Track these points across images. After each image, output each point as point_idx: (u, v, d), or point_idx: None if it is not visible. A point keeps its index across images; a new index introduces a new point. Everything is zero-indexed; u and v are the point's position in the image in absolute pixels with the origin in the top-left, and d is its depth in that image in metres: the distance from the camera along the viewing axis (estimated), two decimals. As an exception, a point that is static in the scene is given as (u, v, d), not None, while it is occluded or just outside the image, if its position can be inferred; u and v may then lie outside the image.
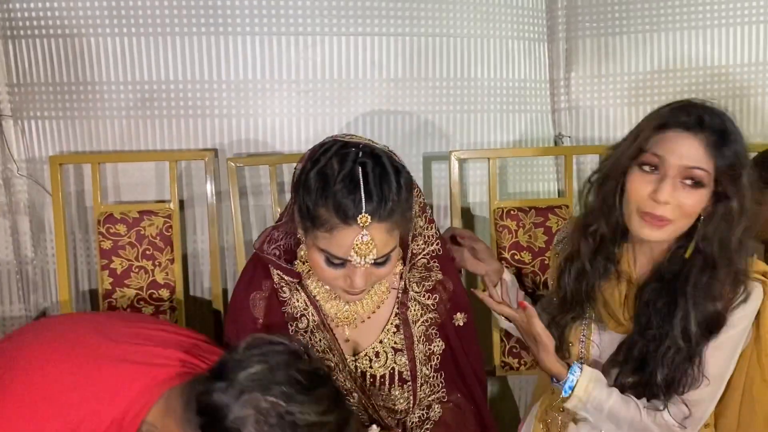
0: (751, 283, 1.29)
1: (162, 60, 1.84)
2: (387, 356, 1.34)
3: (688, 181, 1.22)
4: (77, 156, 1.87)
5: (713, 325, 1.27)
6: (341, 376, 1.32)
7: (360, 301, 1.31)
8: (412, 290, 1.35)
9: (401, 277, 1.34)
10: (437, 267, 1.38)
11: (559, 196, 2.07)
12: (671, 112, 1.26)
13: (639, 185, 1.25)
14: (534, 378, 1.69)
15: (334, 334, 1.33)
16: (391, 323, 1.35)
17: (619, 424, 1.33)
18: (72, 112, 1.87)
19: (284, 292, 1.32)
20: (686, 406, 1.30)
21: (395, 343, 1.34)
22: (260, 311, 1.32)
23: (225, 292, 1.92)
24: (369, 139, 1.24)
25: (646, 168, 1.24)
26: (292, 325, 1.32)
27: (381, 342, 1.35)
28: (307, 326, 1.32)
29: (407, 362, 1.35)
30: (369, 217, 1.12)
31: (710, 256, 1.27)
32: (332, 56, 1.89)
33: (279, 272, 1.31)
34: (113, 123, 1.87)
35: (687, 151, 1.21)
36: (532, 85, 2.07)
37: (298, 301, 1.33)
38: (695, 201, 1.23)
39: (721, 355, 1.30)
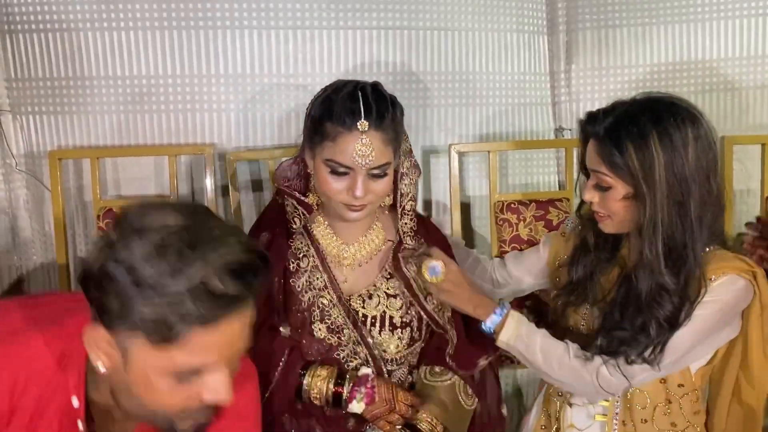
0: (722, 276, 1.30)
1: (159, 54, 1.84)
2: (380, 299, 1.46)
3: (601, 183, 1.32)
4: (76, 151, 1.87)
5: (673, 324, 1.31)
6: (335, 311, 1.44)
7: (356, 244, 1.47)
8: (406, 243, 1.48)
9: (397, 231, 1.49)
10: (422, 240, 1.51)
11: (559, 188, 2.06)
12: (582, 123, 1.38)
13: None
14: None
15: (332, 275, 1.45)
16: (386, 269, 1.47)
17: (550, 360, 1.38)
18: (70, 107, 1.87)
19: (295, 223, 1.45)
20: (626, 377, 1.34)
21: (388, 288, 1.47)
22: (264, 248, 1.37)
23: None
24: None
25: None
26: (293, 262, 1.45)
27: (375, 285, 1.47)
28: (308, 265, 1.45)
29: (402, 306, 1.46)
30: (367, 123, 1.32)
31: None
32: (330, 50, 1.89)
33: (293, 201, 1.45)
34: (111, 118, 1.87)
35: (589, 154, 1.34)
36: (532, 78, 2.07)
37: (302, 243, 1.46)
38: (612, 199, 1.31)
39: (680, 345, 1.32)
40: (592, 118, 1.32)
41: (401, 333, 1.46)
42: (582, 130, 1.36)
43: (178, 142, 1.88)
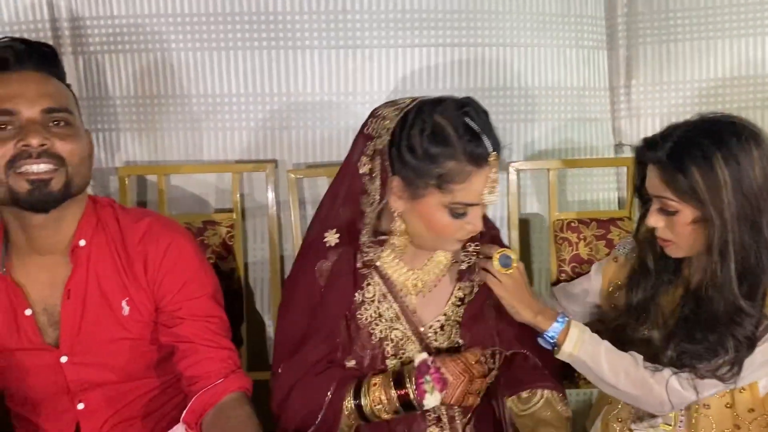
0: None
1: (225, 74, 1.89)
2: (452, 330, 1.38)
3: (666, 208, 1.30)
4: (145, 167, 1.94)
5: (752, 343, 1.28)
6: (410, 345, 1.36)
7: (424, 268, 1.39)
8: (469, 247, 1.40)
9: (463, 249, 1.40)
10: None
11: (619, 205, 2.04)
12: (637, 151, 1.36)
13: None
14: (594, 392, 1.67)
15: (403, 304, 1.37)
16: (455, 296, 1.39)
17: (617, 370, 1.34)
18: (139, 124, 1.94)
19: (366, 254, 1.34)
20: (696, 390, 1.31)
21: (459, 316, 1.38)
22: (324, 279, 1.34)
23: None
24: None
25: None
26: (358, 293, 1.36)
27: (445, 315, 1.38)
28: (374, 295, 1.36)
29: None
30: (495, 154, 1.24)
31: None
32: (389, 68, 1.91)
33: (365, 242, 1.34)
34: (178, 135, 1.94)
35: (651, 181, 1.32)
36: (591, 93, 2.05)
37: (365, 270, 1.36)
38: (679, 224, 1.29)
39: (757, 363, 1.30)
40: (651, 144, 1.31)
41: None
42: (639, 157, 1.35)
43: (241, 158, 1.94)
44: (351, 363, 1.34)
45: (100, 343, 1.33)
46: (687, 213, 1.27)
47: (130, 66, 1.90)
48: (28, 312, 1.31)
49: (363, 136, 1.31)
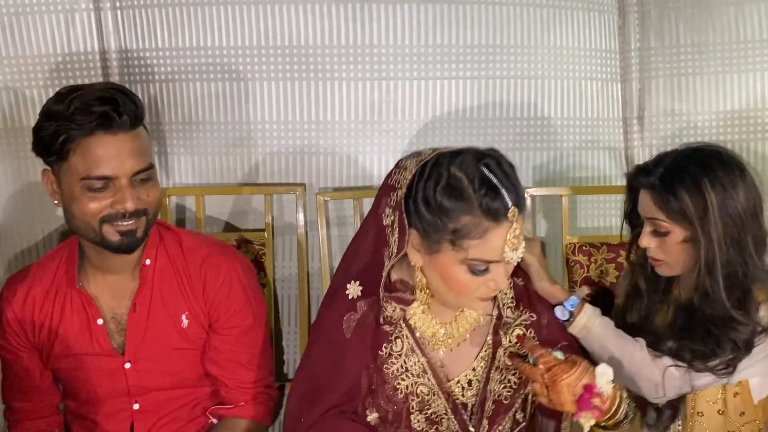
0: None
1: (259, 102, 2.03)
2: (480, 385, 1.32)
3: (659, 230, 1.39)
4: (185, 189, 2.08)
5: (748, 347, 1.37)
6: (436, 400, 1.30)
7: (453, 323, 1.32)
8: (506, 316, 1.34)
9: (494, 302, 1.34)
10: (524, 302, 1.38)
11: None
12: (630, 176, 1.48)
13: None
14: None
15: (430, 359, 1.31)
16: (485, 351, 1.33)
17: (622, 347, 1.40)
18: (178, 148, 2.08)
19: (385, 309, 1.30)
20: (692, 381, 1.39)
21: (485, 371, 1.32)
22: (350, 332, 1.30)
23: (310, 313, 2.07)
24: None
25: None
26: (386, 347, 1.30)
27: (474, 369, 1.33)
28: (402, 348, 1.31)
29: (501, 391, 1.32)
30: (517, 210, 1.16)
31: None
32: (412, 98, 2.04)
33: (392, 297, 1.29)
34: (214, 159, 2.08)
35: (643, 204, 1.41)
36: (605, 123, 2.15)
37: (392, 324, 1.31)
38: (670, 244, 1.39)
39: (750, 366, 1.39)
40: (643, 170, 1.43)
41: (503, 419, 1.31)
42: (632, 182, 1.46)
43: (272, 181, 2.07)
44: (373, 416, 1.29)
45: (160, 351, 1.47)
46: (678, 233, 1.37)
47: (171, 95, 2.05)
48: (99, 321, 1.46)
49: (387, 187, 1.26)
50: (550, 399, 1.20)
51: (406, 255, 1.24)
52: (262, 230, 2.01)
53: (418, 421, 1.30)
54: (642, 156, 2.14)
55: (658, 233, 1.40)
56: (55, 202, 1.40)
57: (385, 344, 1.30)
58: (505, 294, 1.35)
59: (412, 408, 1.29)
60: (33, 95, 2.03)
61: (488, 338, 1.33)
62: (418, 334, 1.31)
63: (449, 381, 1.32)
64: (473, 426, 1.30)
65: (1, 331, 1.48)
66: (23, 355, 1.48)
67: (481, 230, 1.16)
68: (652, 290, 1.50)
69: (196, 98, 2.05)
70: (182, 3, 1.99)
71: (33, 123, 1.39)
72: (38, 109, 1.39)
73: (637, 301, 1.51)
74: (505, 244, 1.16)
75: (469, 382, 1.32)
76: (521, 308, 1.36)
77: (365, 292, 1.29)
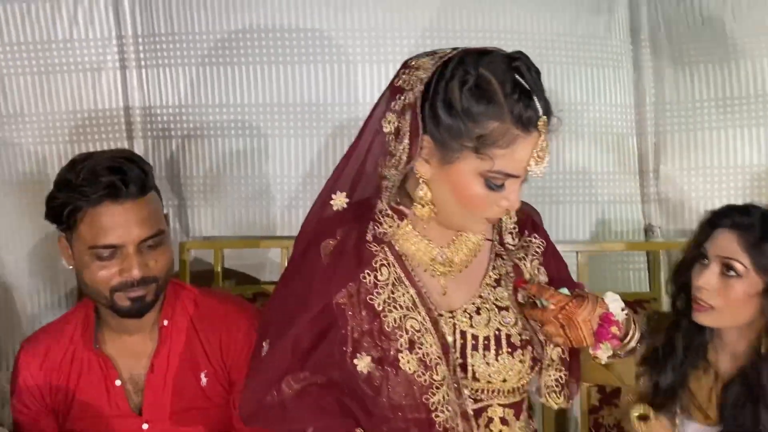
0: None
1: (278, 157, 2.08)
2: (489, 314, 1.16)
3: (729, 271, 1.32)
4: (203, 243, 2.11)
5: None
6: (428, 337, 1.13)
7: (450, 246, 1.18)
8: (507, 242, 1.23)
9: (494, 227, 1.22)
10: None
11: (650, 285, 2.11)
12: (718, 214, 1.39)
13: (694, 275, 1.37)
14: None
15: (420, 289, 1.15)
16: (490, 276, 1.20)
17: None
18: (198, 202, 2.12)
19: (381, 227, 1.14)
20: None
21: (497, 299, 1.18)
22: (328, 257, 1.14)
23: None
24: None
25: (704, 261, 1.36)
26: (369, 274, 1.13)
27: (481, 297, 1.17)
28: (388, 277, 1.15)
29: (517, 321, 1.17)
30: (546, 119, 1.05)
31: None
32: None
33: (386, 206, 1.15)
34: (233, 212, 2.11)
35: (724, 243, 1.33)
36: (621, 177, 2.16)
37: (376, 248, 1.15)
38: (736, 290, 1.32)
39: None
40: (742, 210, 1.38)
41: (522, 354, 1.15)
42: (716, 218, 1.39)
43: (290, 234, 2.08)
44: (364, 361, 1.11)
45: (179, 411, 1.45)
46: (751, 282, 1.32)
47: (192, 150, 2.10)
48: (118, 382, 1.45)
49: (392, 90, 1.10)
50: (567, 338, 1.13)
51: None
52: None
53: (408, 363, 1.11)
54: (659, 210, 2.14)
55: (726, 275, 1.34)
56: (70, 267, 1.43)
57: (368, 270, 1.14)
58: (509, 218, 1.23)
59: (401, 346, 1.12)
60: (59, 150, 2.09)
61: (491, 263, 1.21)
62: (406, 261, 1.17)
63: (453, 312, 1.16)
64: (485, 363, 1.14)
65: (18, 394, 1.48)
66: (40, 418, 1.48)
67: (509, 139, 1.03)
68: (689, 348, 1.41)
69: (216, 153, 2.09)
70: (205, 62, 2.06)
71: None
72: (63, 164, 1.43)
73: (670, 359, 1.42)
74: (530, 156, 1.05)
75: (477, 310, 1.17)
76: (526, 234, 1.24)
77: (350, 208, 1.15)
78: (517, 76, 1.05)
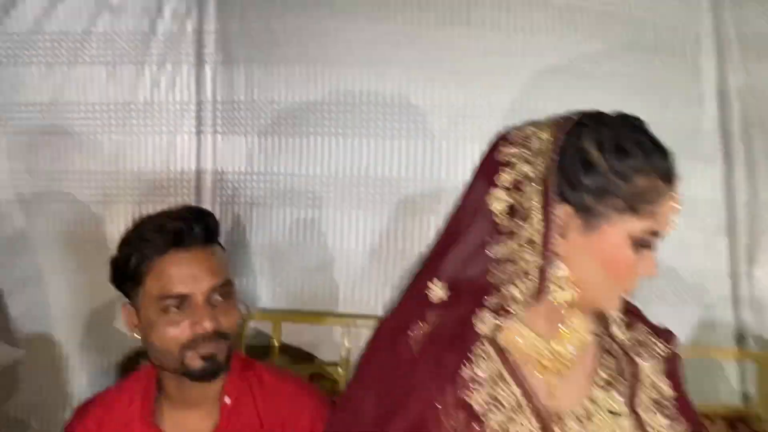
0: None
1: (346, 230, 2.01)
2: (603, 421, 1.02)
3: None
4: (262, 314, 2.02)
5: None
6: None
7: (561, 338, 1.04)
8: (616, 334, 1.10)
9: (600, 319, 1.09)
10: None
11: (743, 399, 1.91)
12: None
13: None
14: None
15: (527, 388, 1.01)
16: (599, 375, 1.06)
17: None
18: (260, 272, 2.05)
19: (488, 321, 1.01)
20: None
21: (611, 404, 1.04)
22: (418, 348, 1.01)
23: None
24: None
25: None
26: (468, 368, 1.00)
27: (591, 400, 1.03)
28: (487, 374, 1.01)
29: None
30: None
31: None
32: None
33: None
34: (295, 284, 2.03)
35: None
36: (711, 279, 2.00)
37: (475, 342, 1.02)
38: None
39: None
40: None
41: None
42: None
43: (353, 311, 1.99)
44: None
45: None
46: None
47: (257, 218, 2.05)
48: None
49: (492, 164, 1.01)
50: None
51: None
52: (337, 364, 1.91)
53: None
54: (753, 316, 1.96)
55: None
56: (136, 336, 1.36)
57: (465, 363, 1.00)
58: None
59: None
60: (125, 210, 2.06)
61: (599, 360, 1.07)
62: (510, 356, 1.02)
63: (560, 416, 1.01)
64: None
65: None
66: None
67: (656, 193, 0.97)
68: None
69: (281, 223, 2.04)
70: (279, 131, 2.04)
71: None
72: (124, 224, 1.41)
73: None
74: (673, 212, 0.99)
75: (589, 415, 1.02)
76: (633, 326, 1.11)
77: (452, 299, 1.00)
78: (647, 131, 1.00)
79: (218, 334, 1.29)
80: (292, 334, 2.02)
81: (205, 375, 1.31)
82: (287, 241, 2.04)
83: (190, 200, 2.09)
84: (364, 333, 1.97)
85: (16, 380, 2.06)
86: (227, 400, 1.35)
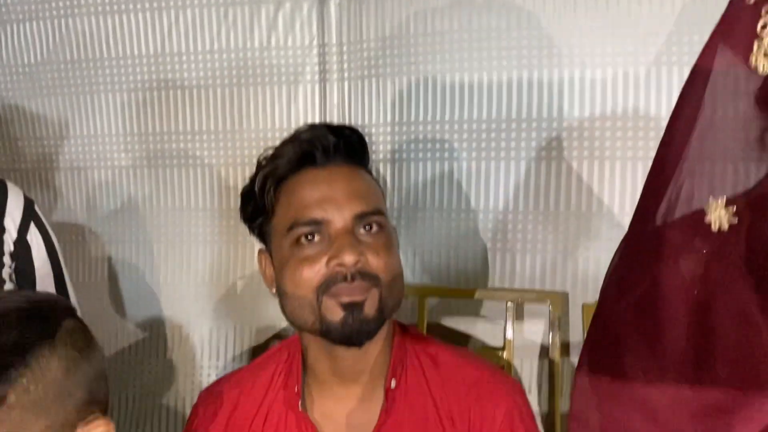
0: None
1: (495, 188, 1.65)
2: None
3: None
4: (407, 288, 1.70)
5: None
6: None
7: None
8: None
9: None
10: None
11: None
12: None
13: None
14: None
15: None
16: None
17: None
18: (402, 239, 1.73)
19: None
20: None
21: None
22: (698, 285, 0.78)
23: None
24: None
25: None
26: None
27: None
28: None
29: None
30: None
31: None
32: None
33: None
34: (439, 253, 1.70)
35: None
36: None
37: None
38: None
39: None
40: None
41: None
42: None
43: (521, 287, 1.63)
44: None
45: None
46: None
47: (396, 177, 1.74)
48: None
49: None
50: None
51: None
52: (499, 349, 1.56)
53: None
54: None
55: None
56: (273, 291, 1.06)
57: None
58: None
59: None
60: (244, 174, 1.82)
61: None
62: None
63: None
64: None
65: None
66: None
67: None
68: None
69: (420, 180, 1.71)
70: (419, 70, 1.69)
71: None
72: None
73: None
74: None
75: None
76: None
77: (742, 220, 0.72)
78: None
79: (364, 276, 0.97)
80: (439, 313, 1.69)
81: (350, 332, 0.97)
82: (429, 202, 1.71)
83: (315, 159, 1.81)
84: (534, 311, 1.63)
85: (139, 362, 1.91)
86: (392, 384, 1.04)
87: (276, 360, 1.12)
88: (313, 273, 0.97)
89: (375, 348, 1.03)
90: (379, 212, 1.02)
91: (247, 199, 1.07)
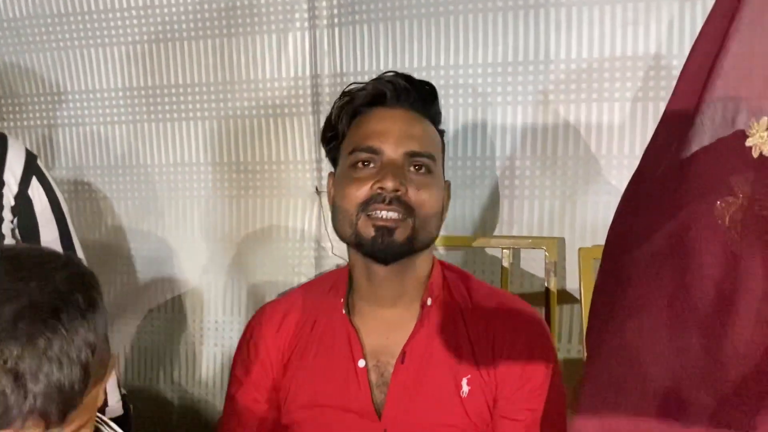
0: None
1: (507, 131, 1.62)
2: None
3: None
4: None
5: None
6: None
7: None
8: None
9: None
10: None
11: None
12: None
13: None
14: None
15: None
16: None
17: None
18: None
19: None
20: None
21: None
22: (734, 226, 0.70)
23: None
24: None
25: None
26: None
27: None
28: None
29: None
30: None
31: None
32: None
33: None
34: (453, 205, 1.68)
35: None
36: None
37: None
38: None
39: None
40: None
41: None
42: None
43: (520, 234, 1.62)
44: None
45: (429, 426, 1.12)
46: None
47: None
48: (361, 363, 1.16)
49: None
50: None
51: None
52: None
53: None
54: None
55: None
56: (330, 205, 1.23)
57: None
58: None
59: None
60: (235, 126, 1.79)
61: None
62: None
63: None
64: None
65: (245, 368, 1.21)
66: (259, 404, 1.20)
67: None
68: None
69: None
70: (412, 14, 1.64)
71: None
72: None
73: None
74: None
75: None
76: None
77: None
78: None
79: (400, 203, 1.10)
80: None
81: (376, 247, 1.10)
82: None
83: (306, 111, 1.78)
84: (528, 256, 1.62)
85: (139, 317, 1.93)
86: (429, 302, 1.17)
87: (326, 280, 1.27)
88: (360, 192, 1.12)
89: (411, 274, 1.16)
90: (431, 156, 1.14)
91: (327, 125, 1.22)
